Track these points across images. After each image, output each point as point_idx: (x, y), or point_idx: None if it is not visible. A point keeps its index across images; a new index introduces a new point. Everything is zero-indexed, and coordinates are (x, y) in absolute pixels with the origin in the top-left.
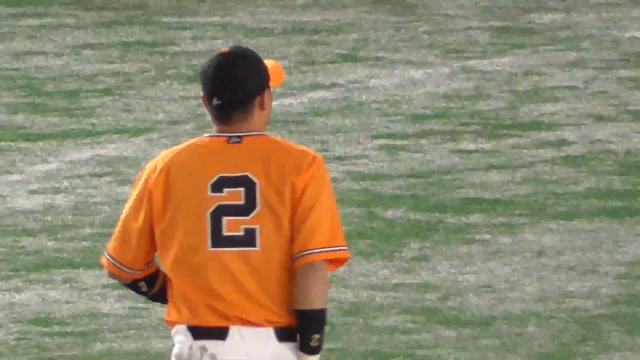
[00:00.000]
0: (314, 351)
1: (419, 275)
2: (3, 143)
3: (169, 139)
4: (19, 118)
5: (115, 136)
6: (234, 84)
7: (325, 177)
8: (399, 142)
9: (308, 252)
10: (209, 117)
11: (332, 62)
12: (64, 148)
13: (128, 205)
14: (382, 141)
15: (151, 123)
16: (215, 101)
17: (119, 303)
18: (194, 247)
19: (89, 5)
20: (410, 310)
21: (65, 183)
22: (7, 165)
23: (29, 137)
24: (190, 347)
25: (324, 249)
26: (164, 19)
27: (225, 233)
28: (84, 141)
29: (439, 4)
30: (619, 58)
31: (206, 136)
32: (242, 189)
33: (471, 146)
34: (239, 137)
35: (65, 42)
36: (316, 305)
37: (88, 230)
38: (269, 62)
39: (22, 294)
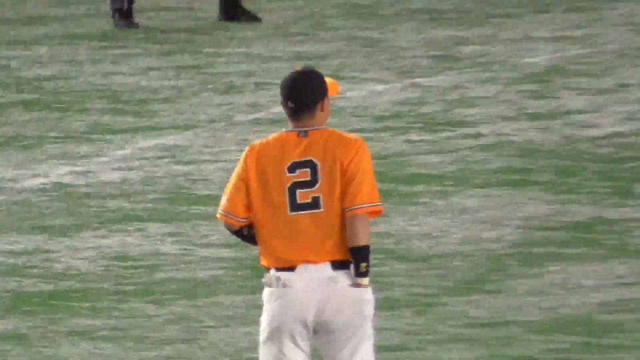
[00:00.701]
0: (364, 275)
1: (380, 226)
2: (95, 136)
3: (208, 133)
4: (106, 118)
5: (172, 130)
6: (303, 93)
7: (365, 154)
8: (367, 135)
9: (355, 207)
10: (236, 118)
11: None
12: (136, 139)
13: (233, 176)
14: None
15: (196, 122)
16: (289, 104)
17: (174, 245)
18: (277, 213)
19: (154, 40)
20: (374, 251)
21: (137, 163)
22: (98, 151)
23: (113, 132)
24: (270, 277)
25: (365, 204)
26: (206, 49)
27: (299, 201)
28: (149, 134)
29: (395, 39)
30: (519, 77)
31: (284, 130)
32: (308, 169)
33: (417, 138)
34: (305, 131)
35: (137, 65)
36: (362, 242)
37: (152, 196)
38: (328, 79)
39: (107, 240)
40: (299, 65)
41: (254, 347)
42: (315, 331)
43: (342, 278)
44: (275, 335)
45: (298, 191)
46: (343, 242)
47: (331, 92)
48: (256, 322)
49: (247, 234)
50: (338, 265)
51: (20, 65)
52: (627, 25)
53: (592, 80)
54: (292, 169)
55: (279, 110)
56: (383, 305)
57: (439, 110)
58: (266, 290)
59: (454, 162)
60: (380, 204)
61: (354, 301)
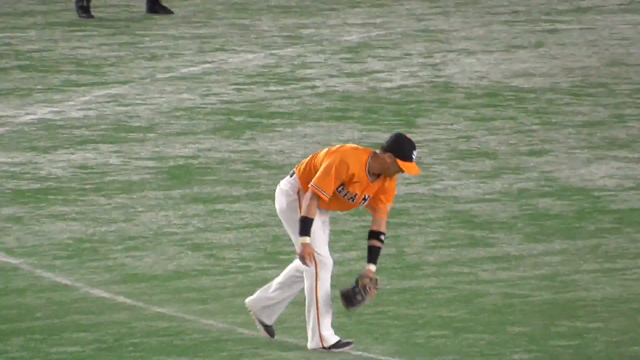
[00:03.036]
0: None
1: (275, 145)
2: (66, 88)
3: (139, 86)
4: (73, 77)
5: (116, 84)
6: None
7: (331, 156)
8: (241, 87)
9: (310, 184)
10: (157, 76)
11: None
12: (93, 90)
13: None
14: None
15: (131, 78)
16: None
17: (117, 159)
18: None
19: (104, 26)
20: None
21: (93, 105)
22: (68, 98)
23: (77, 85)
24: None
25: (312, 184)
26: (137, 32)
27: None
28: (101, 87)
29: (260, 25)
30: (340, 49)
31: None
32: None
33: (274, 88)
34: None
35: (93, 42)
36: (301, 213)
37: (104, 126)
38: (412, 166)
39: (74, 155)
40: (200, 43)
41: (168, 224)
42: None
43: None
44: None
45: None
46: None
47: (407, 170)
48: (168, 207)
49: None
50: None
51: (18, 42)
52: (410, 15)
53: (387, 51)
54: None
55: (187, 71)
56: (251, 197)
57: (288, 71)
58: None
59: (298, 104)
60: (322, 191)
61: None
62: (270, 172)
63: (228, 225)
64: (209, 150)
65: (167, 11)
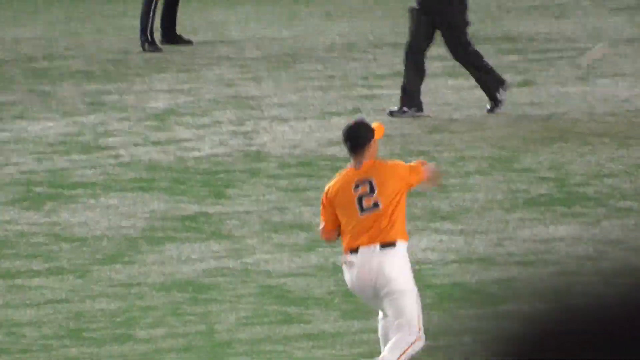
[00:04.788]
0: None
1: (52, 218)
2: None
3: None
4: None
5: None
6: (357, 138)
7: (393, 165)
8: (41, 155)
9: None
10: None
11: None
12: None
13: (322, 210)
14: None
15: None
16: (348, 144)
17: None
18: (353, 217)
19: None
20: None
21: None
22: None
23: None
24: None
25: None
26: None
27: (364, 206)
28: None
29: (60, 91)
30: (145, 116)
31: (349, 165)
32: (367, 184)
33: (77, 157)
34: (360, 163)
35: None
36: None
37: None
38: (375, 123)
39: None
40: None
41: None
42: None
43: (385, 253)
44: None
45: (364, 199)
46: (391, 229)
47: (377, 135)
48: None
49: (336, 239)
50: (384, 245)
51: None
52: (219, 81)
53: (196, 118)
54: (356, 187)
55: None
56: (52, 272)
57: (91, 139)
58: None
59: (102, 174)
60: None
61: None
62: (72, 245)
63: (28, 301)
64: (8, 222)
65: (188, 42)
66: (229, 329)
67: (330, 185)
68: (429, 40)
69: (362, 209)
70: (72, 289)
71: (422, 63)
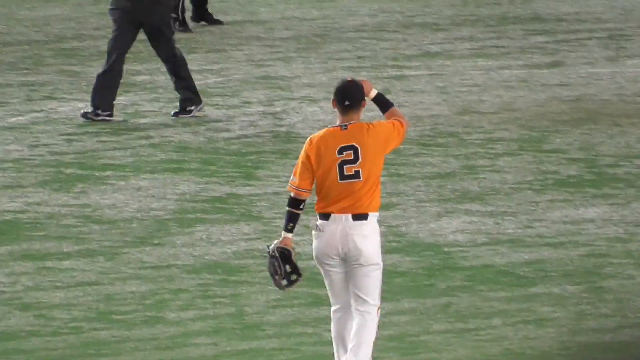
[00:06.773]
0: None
1: (81, 199)
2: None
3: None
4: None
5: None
6: (356, 98)
7: (380, 131)
8: (72, 137)
9: None
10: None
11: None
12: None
13: (299, 161)
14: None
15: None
16: (345, 103)
17: None
18: (332, 182)
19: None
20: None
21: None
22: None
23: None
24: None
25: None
26: None
27: (346, 173)
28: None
29: (91, 72)
30: (172, 97)
31: (331, 126)
32: (351, 151)
33: (107, 139)
34: (346, 125)
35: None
36: None
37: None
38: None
39: None
40: (27, 91)
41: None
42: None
43: (356, 225)
44: None
45: (345, 166)
46: (368, 201)
47: (367, 94)
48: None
49: (302, 207)
50: (356, 217)
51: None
52: (249, 61)
53: (225, 99)
54: (340, 151)
55: (14, 121)
56: (82, 254)
57: (121, 120)
58: None
59: (132, 155)
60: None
61: None
62: (102, 227)
63: (58, 284)
64: (38, 204)
65: (218, 22)
66: (259, 311)
67: (315, 136)
68: None
69: (342, 175)
70: (102, 271)
71: None
